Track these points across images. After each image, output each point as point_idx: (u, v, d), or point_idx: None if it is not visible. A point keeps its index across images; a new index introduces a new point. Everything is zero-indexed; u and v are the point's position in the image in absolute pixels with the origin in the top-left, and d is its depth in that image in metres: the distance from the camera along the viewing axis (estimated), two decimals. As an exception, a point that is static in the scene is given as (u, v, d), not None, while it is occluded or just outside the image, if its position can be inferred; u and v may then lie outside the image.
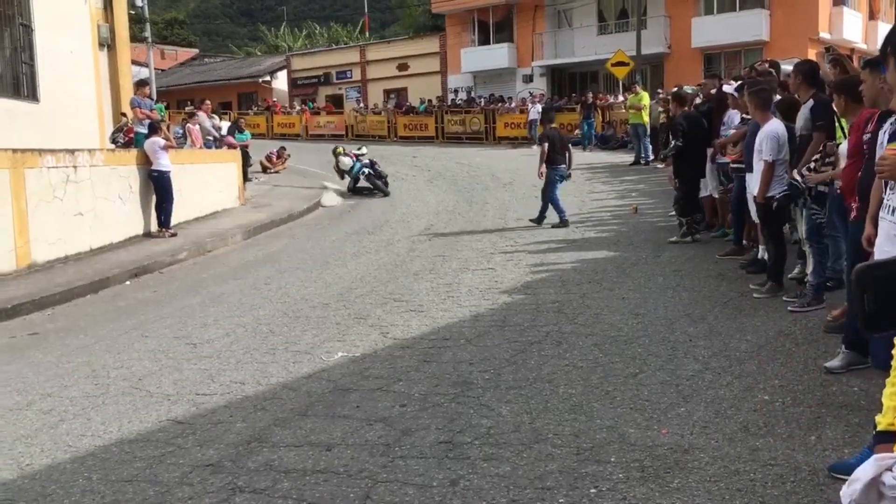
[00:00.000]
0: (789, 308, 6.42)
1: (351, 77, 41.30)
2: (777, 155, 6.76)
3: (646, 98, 20.41)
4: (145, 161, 12.36)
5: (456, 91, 36.36)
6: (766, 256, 7.35)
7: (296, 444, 4.34)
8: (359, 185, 17.30)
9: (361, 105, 37.96)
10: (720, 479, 3.63)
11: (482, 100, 33.10)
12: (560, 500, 3.53)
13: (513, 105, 31.86)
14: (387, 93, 39.43)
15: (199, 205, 14.08)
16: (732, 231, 9.18)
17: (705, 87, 10.59)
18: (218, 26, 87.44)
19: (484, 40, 36.40)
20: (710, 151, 9.40)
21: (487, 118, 30.39)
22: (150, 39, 34.31)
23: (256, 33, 65.85)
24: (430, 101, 33.79)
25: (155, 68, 35.79)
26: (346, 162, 17.64)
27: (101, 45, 15.27)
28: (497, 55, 35.65)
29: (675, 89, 12.13)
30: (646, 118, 19.76)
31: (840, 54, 8.25)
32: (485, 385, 5.12)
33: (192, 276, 10.07)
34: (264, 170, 22.39)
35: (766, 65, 10.26)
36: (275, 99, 41.38)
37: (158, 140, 12.42)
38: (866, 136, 4.69)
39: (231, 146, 18.19)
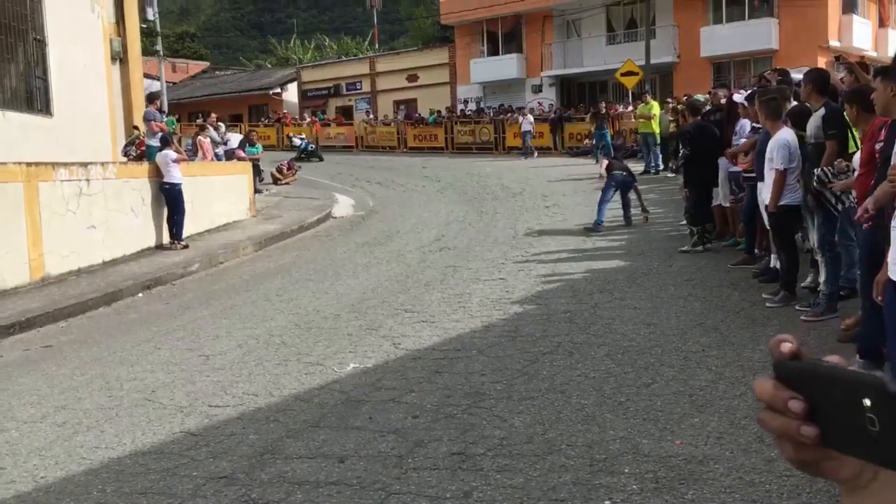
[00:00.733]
0: (802, 317, 6.39)
1: (361, 88, 41.46)
2: (789, 163, 6.74)
3: (656, 107, 20.41)
4: (157, 174, 12.43)
5: (465, 102, 36.45)
6: (778, 265, 7.32)
7: (309, 456, 4.34)
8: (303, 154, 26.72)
9: (371, 116, 38.09)
10: (735, 491, 3.61)
11: (491, 110, 33.16)
12: (574, 512, 3.52)
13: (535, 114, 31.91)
14: (396, 104, 39.55)
15: (210, 217, 14.15)
16: (744, 240, 9.16)
17: (715, 97, 10.58)
18: (228, 39, 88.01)
19: (493, 51, 36.50)
20: (721, 161, 9.39)
21: (497, 128, 30.44)
22: (161, 53, 34.60)
23: (267, 46, 66.28)
24: (438, 111, 33.88)
25: (166, 81, 36.07)
26: (297, 141, 29.69)
27: (113, 59, 15.40)
28: (506, 66, 35.73)
29: (686, 98, 12.14)
30: (656, 128, 19.75)
31: (852, 63, 8.24)
32: (497, 396, 5.11)
33: (205, 287, 10.11)
34: (275, 181, 22.48)
35: (776, 73, 10.26)
36: (285, 111, 41.57)
37: (170, 153, 12.49)
38: (878, 145, 4.68)
39: (241, 160, 18.28)
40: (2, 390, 6.13)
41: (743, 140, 8.78)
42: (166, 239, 12.54)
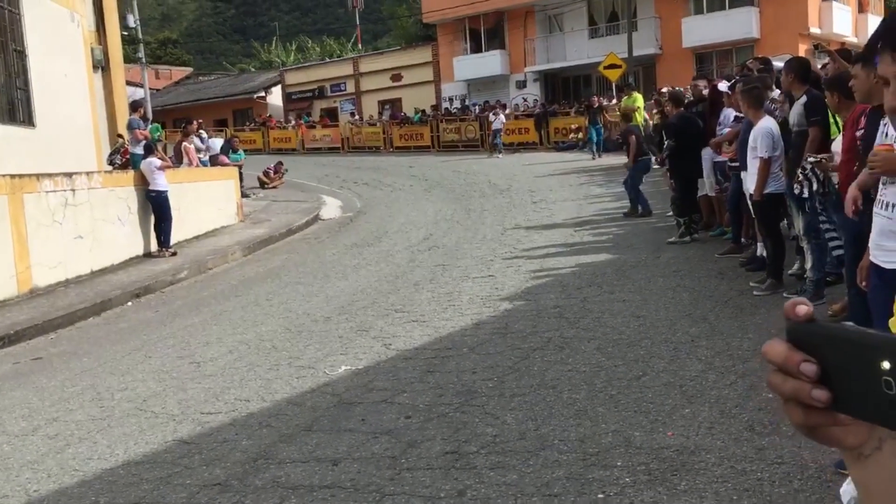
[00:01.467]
0: (790, 305, 6.42)
1: (345, 90, 41.42)
2: (773, 152, 6.78)
3: (640, 100, 20.45)
4: (143, 182, 12.39)
5: (450, 99, 36.45)
6: (764, 253, 7.36)
7: (302, 460, 4.34)
8: None
9: (356, 117, 38.05)
10: (727, 480, 3.63)
11: (476, 107, 33.18)
12: (568, 507, 3.53)
13: (507, 111, 31.94)
14: (381, 104, 39.53)
15: (197, 223, 14.10)
16: (731, 229, 9.20)
17: (696, 88, 10.61)
18: (211, 44, 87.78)
19: (476, 48, 36.52)
20: (706, 151, 9.42)
21: (482, 126, 30.47)
22: (143, 60, 34.49)
23: (250, 49, 66.11)
24: (423, 111, 33.87)
25: (150, 88, 35.96)
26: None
27: (94, 67, 15.33)
28: (490, 62, 35.77)
29: (667, 90, 12.17)
30: (640, 120, 19.77)
31: (831, 51, 8.29)
32: (489, 393, 5.12)
33: (194, 294, 10.08)
34: (262, 185, 22.44)
35: (758, 62, 10.30)
36: (270, 114, 41.46)
37: (154, 160, 12.45)
38: (860, 132, 4.70)
39: (224, 165, 18.22)
40: (-8, 405, 6.10)
41: (727, 130, 8.82)
42: (154, 247, 12.49)
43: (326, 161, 30.34)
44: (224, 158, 19.06)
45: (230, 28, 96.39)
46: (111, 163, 14.96)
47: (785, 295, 6.73)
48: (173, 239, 12.62)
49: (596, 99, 25.95)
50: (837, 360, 0.66)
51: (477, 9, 34.97)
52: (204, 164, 17.82)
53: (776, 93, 7.84)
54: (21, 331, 8.36)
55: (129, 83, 22.14)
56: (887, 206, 3.78)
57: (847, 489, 1.52)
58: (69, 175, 10.99)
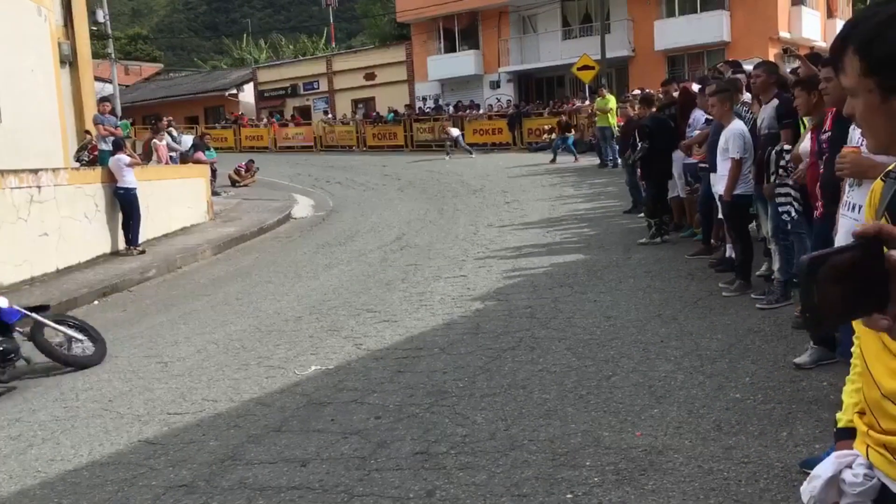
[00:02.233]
0: (758, 305, 6.49)
1: (318, 88, 41.21)
2: (744, 153, 6.84)
3: (612, 101, 20.57)
4: (110, 179, 12.22)
5: (424, 99, 36.41)
6: (733, 255, 7.43)
7: (270, 461, 4.30)
8: None
9: (329, 116, 37.87)
10: (695, 479, 3.66)
11: (450, 107, 33.17)
12: (537, 507, 3.53)
13: (481, 111, 31.97)
14: (355, 103, 39.39)
15: (167, 221, 13.95)
16: (700, 231, 9.27)
17: (667, 94, 10.68)
18: (182, 40, 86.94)
19: (450, 48, 36.51)
20: (676, 153, 9.48)
21: (456, 125, 30.45)
22: (113, 56, 34.06)
23: (221, 46, 65.56)
24: (397, 110, 33.79)
25: (119, 84, 35.55)
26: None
27: (62, 62, 15.10)
28: (463, 62, 35.78)
29: (637, 92, 12.25)
30: (612, 121, 19.91)
31: (800, 55, 8.38)
32: (459, 393, 5.11)
33: (162, 293, 9.97)
34: (233, 183, 22.25)
35: (729, 65, 10.39)
36: (242, 112, 41.15)
37: (123, 157, 12.28)
38: (825, 135, 4.75)
39: (201, 163, 18.04)
40: (-47, 405, 5.97)
41: (696, 132, 8.88)
42: (122, 245, 12.33)
43: (299, 160, 30.15)
44: (201, 156, 18.86)
45: (202, 24, 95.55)
46: (78, 159, 14.76)
47: (753, 296, 6.79)
48: (142, 237, 12.47)
49: (565, 117, 25.81)
50: None
51: (451, 9, 34.98)
52: (174, 161, 17.64)
53: (747, 96, 7.90)
54: (-16, 330, 8.20)
55: (98, 79, 21.87)
56: (853, 207, 3.83)
57: (807, 488, 1.52)
58: (35, 171, 10.82)
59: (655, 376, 5.11)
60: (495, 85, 35.31)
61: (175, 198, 14.47)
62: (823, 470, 1.50)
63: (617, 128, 19.03)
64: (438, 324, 6.98)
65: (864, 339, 1.46)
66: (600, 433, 4.27)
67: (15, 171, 10.45)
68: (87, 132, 15.42)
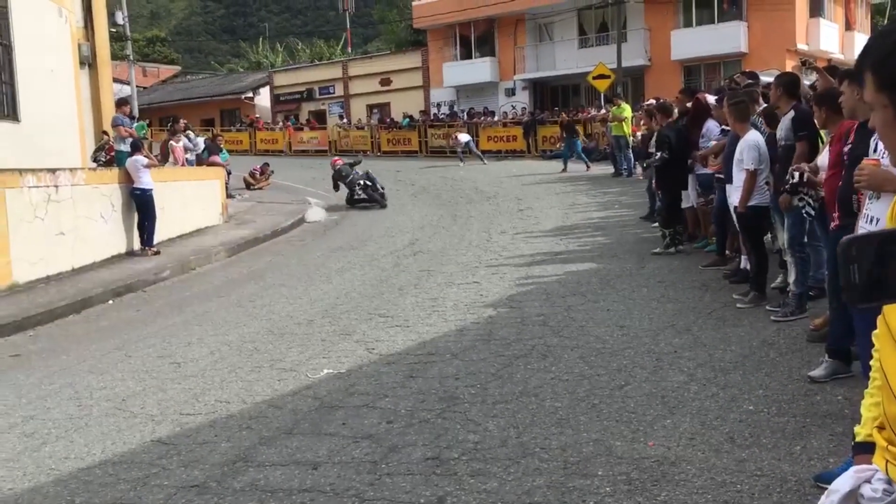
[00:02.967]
0: (772, 318, 6.46)
1: (334, 92, 41.36)
2: (759, 164, 6.82)
3: (627, 110, 20.54)
4: (127, 179, 12.30)
5: (439, 105, 36.48)
6: (748, 266, 7.40)
7: (282, 464, 4.31)
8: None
9: (344, 120, 38.00)
10: (707, 491, 3.64)
11: (464, 114, 33.21)
12: (548, 515, 3.52)
13: (496, 118, 31.98)
14: (370, 108, 39.50)
15: (182, 222, 14.02)
16: (714, 241, 9.24)
17: (680, 103, 10.66)
18: (200, 43, 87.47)
19: (466, 55, 36.58)
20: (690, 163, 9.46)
21: (471, 132, 30.47)
22: (131, 57, 34.31)
23: (238, 50, 65.92)
24: (412, 116, 33.86)
25: (137, 86, 35.77)
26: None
27: (81, 63, 15.22)
28: (479, 69, 35.84)
29: (653, 102, 12.22)
30: (627, 130, 19.88)
31: (818, 67, 8.35)
32: (471, 400, 5.11)
33: (176, 294, 10.01)
34: (248, 186, 22.34)
35: (745, 76, 10.36)
36: (257, 115, 41.35)
37: (140, 158, 12.36)
38: (846, 147, 4.73)
39: (216, 166, 18.12)
40: (-32, 401, 6.02)
41: (711, 143, 8.86)
42: (137, 245, 12.40)
43: (313, 164, 30.25)
44: (217, 159, 18.93)
45: (219, 27, 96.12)
46: (95, 160, 14.86)
47: (767, 308, 6.76)
48: (157, 238, 12.53)
49: (571, 114, 25.74)
50: None
51: (468, 15, 35.06)
52: (190, 163, 17.73)
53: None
54: (0, 327, 8.27)
55: (115, 80, 22.00)
56: (872, 220, 3.81)
57: (825, 502, 1.52)
58: (52, 171, 10.90)
59: (668, 387, 5.10)
60: (510, 92, 35.34)
61: (190, 199, 14.55)
62: (842, 484, 1.49)
63: (632, 137, 19.02)
64: (451, 330, 6.98)
65: (884, 352, 1.45)
66: (612, 442, 4.26)
67: (33, 171, 10.53)
68: (105, 133, 15.52)
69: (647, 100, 19.68)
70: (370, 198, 17.21)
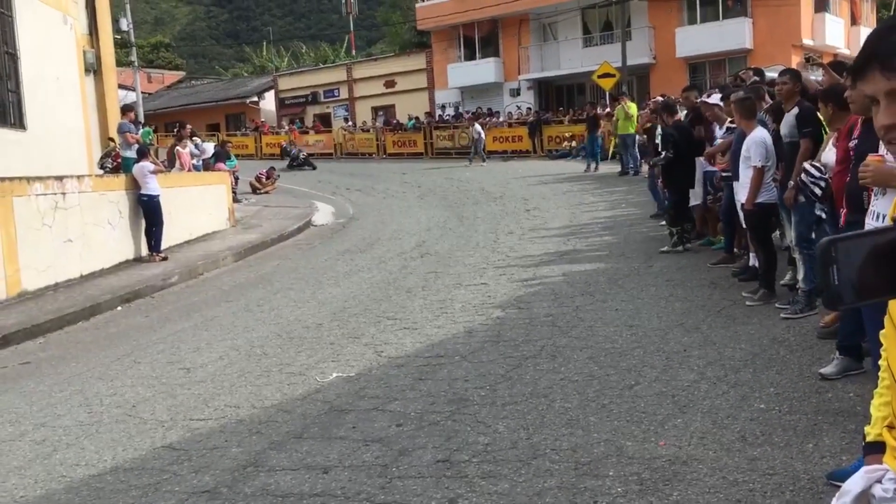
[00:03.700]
0: (782, 315, 6.43)
1: (338, 95, 41.39)
2: (766, 161, 6.80)
3: (633, 108, 20.51)
4: (134, 186, 12.34)
5: (443, 106, 36.48)
6: (756, 264, 7.37)
7: (292, 468, 4.31)
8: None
9: (350, 123, 38.03)
10: (719, 490, 3.62)
11: (469, 114, 33.21)
12: (560, 517, 3.51)
13: (501, 119, 31.96)
14: (375, 110, 39.53)
15: (189, 228, 14.06)
16: (719, 239, 9.22)
17: (687, 99, 10.63)
18: (204, 48, 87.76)
19: (470, 55, 36.57)
20: (698, 161, 9.43)
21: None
22: (136, 63, 34.41)
23: (243, 54, 66.06)
24: (417, 117, 33.88)
25: (142, 92, 35.87)
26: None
27: (87, 70, 15.29)
28: (484, 70, 35.82)
29: (660, 99, 12.19)
30: (633, 129, 19.84)
31: (823, 63, 8.31)
32: (481, 402, 5.10)
33: (184, 299, 10.03)
34: (254, 190, 22.39)
35: (751, 73, 10.33)
36: (263, 119, 41.42)
37: (147, 164, 12.40)
38: (853, 143, 4.71)
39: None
40: (-21, 409, 6.04)
41: (718, 141, 8.83)
42: (145, 251, 12.44)
43: (319, 166, 30.31)
44: (222, 166, 18.99)
45: (223, 32, 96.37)
46: (102, 166, 14.91)
47: (777, 305, 6.73)
48: (164, 243, 12.57)
49: (592, 108, 25.79)
50: None
51: (471, 16, 35.05)
52: (197, 168, 17.79)
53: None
54: (9, 334, 8.30)
55: (121, 87, 22.10)
56: (878, 216, 3.79)
57: None
58: (60, 178, 10.94)
59: (679, 386, 5.08)
60: (515, 92, 35.32)
61: (197, 205, 14.59)
62: (853, 485, 1.48)
63: (638, 135, 18.98)
64: (459, 331, 6.98)
65: (891, 351, 1.44)
66: (623, 443, 4.25)
67: (40, 178, 10.57)
68: (111, 139, 15.57)
69: (653, 97, 19.68)
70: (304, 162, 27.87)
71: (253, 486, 4.13)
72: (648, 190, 13.00)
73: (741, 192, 7.13)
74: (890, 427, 1.49)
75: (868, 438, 1.58)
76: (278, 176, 23.62)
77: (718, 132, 8.90)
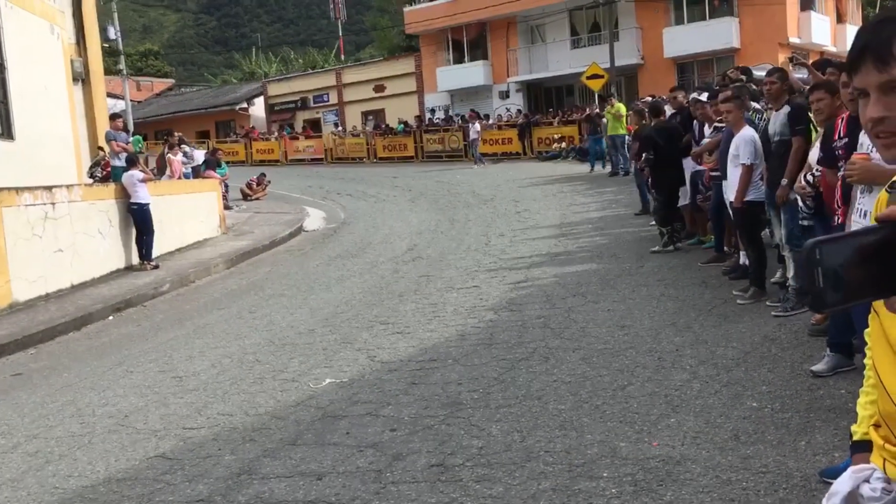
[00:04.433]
0: (773, 313, 6.45)
1: (328, 101, 41.36)
2: (755, 159, 6.83)
3: (622, 109, 20.56)
4: (124, 194, 12.30)
5: (433, 110, 36.50)
6: (747, 262, 7.39)
7: (286, 475, 4.30)
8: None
9: (339, 128, 38.01)
10: (713, 490, 3.63)
11: (459, 118, 33.22)
12: (554, 519, 3.51)
13: (491, 122, 31.99)
14: (364, 115, 39.51)
15: (180, 236, 14.02)
16: (709, 238, 9.24)
17: (674, 101, 10.67)
18: (193, 56, 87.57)
19: (459, 59, 36.61)
20: (687, 161, 9.45)
21: (466, 136, 30.49)
22: (124, 72, 34.36)
23: (232, 61, 65.98)
24: (406, 121, 33.88)
25: (131, 100, 35.80)
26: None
27: (75, 79, 15.25)
28: (472, 73, 35.86)
29: (648, 100, 12.23)
30: (623, 129, 19.89)
31: (806, 63, 8.36)
32: (474, 405, 5.10)
33: (176, 308, 10.01)
34: (245, 197, 22.34)
35: (739, 71, 10.37)
36: (252, 125, 41.35)
37: (136, 173, 12.36)
38: (843, 142, 4.73)
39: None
40: (-29, 422, 6.01)
41: (705, 140, 8.86)
42: (136, 260, 12.40)
43: (310, 172, 30.28)
44: (212, 173, 18.93)
45: (212, 39, 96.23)
46: (92, 175, 14.86)
47: (767, 303, 6.76)
48: (155, 252, 12.53)
49: (581, 110, 25.88)
50: None
51: (459, 20, 35.09)
52: (187, 176, 17.75)
53: (756, 105, 7.89)
54: (1, 346, 8.27)
55: (110, 95, 22.06)
56: (865, 214, 3.81)
57: None
58: (49, 188, 10.90)
59: (671, 385, 5.09)
60: (504, 95, 35.37)
61: (188, 212, 14.55)
62: (842, 486, 1.49)
63: (629, 136, 19.02)
64: (452, 335, 6.98)
65: (876, 350, 1.44)
66: (617, 444, 4.26)
67: (30, 188, 10.53)
68: (101, 148, 15.53)
69: (642, 98, 19.76)
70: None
71: (247, 494, 4.12)
72: (637, 187, 13.11)
73: (730, 191, 7.16)
74: (876, 426, 1.49)
75: (855, 437, 1.58)
76: (269, 182, 23.58)
77: (707, 131, 8.93)
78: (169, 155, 17.91)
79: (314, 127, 39.99)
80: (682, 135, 9.64)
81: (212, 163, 19.85)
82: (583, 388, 5.21)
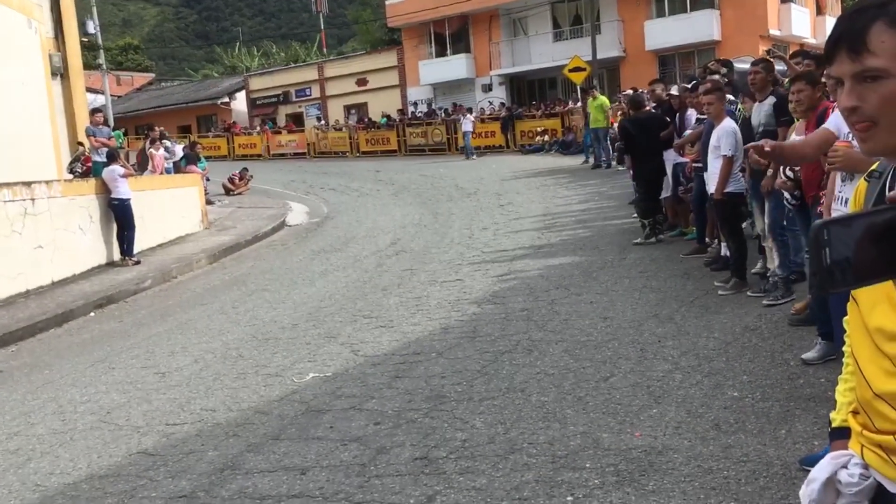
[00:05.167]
0: (764, 302, 6.48)
1: (310, 95, 41.20)
2: (735, 150, 6.86)
3: (605, 102, 20.61)
4: (104, 190, 12.20)
5: (416, 104, 36.43)
6: (728, 253, 7.44)
7: (270, 470, 4.29)
8: None
9: (322, 122, 37.86)
10: (694, 479, 3.66)
11: (442, 111, 33.18)
12: (537, 510, 3.53)
13: (474, 115, 31.97)
14: (347, 108, 39.38)
15: (162, 231, 13.92)
16: (691, 230, 9.29)
17: (653, 94, 10.70)
18: (173, 50, 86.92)
19: (441, 52, 36.55)
20: (668, 152, 9.50)
21: (449, 129, 30.49)
22: (104, 66, 34.05)
23: (213, 55, 65.56)
24: (389, 115, 33.80)
25: (111, 95, 35.50)
26: None
27: (53, 74, 15.08)
28: (455, 66, 35.83)
29: (629, 92, 12.26)
30: (606, 122, 19.95)
31: (783, 56, 8.41)
32: (458, 398, 5.11)
33: (158, 303, 9.95)
34: (227, 192, 22.22)
35: (720, 64, 10.41)
36: (234, 120, 41.12)
37: (117, 168, 12.26)
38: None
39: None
40: (-50, 420, 5.96)
41: (687, 132, 8.90)
42: (117, 256, 12.31)
43: (292, 167, 30.16)
44: (194, 168, 18.81)
45: (192, 33, 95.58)
46: (71, 171, 14.72)
47: (749, 294, 6.81)
48: (137, 247, 12.44)
49: (563, 104, 25.89)
50: None
51: (442, 13, 35.01)
52: (168, 171, 17.63)
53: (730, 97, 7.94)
54: (-20, 344, 8.18)
55: (89, 90, 21.86)
56: (846, 202, 3.84)
57: (805, 491, 1.53)
58: (28, 184, 10.79)
59: (653, 376, 5.12)
60: (487, 88, 35.36)
61: (169, 207, 14.45)
62: (820, 472, 1.50)
63: (612, 129, 19.08)
64: (435, 328, 6.98)
65: (855, 338, 1.46)
66: (599, 434, 4.28)
67: (8, 184, 10.42)
68: (80, 143, 15.38)
69: (623, 90, 19.81)
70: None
71: (230, 489, 4.11)
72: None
73: (711, 183, 7.20)
74: (855, 412, 1.51)
75: (834, 424, 1.60)
76: (251, 176, 23.47)
77: (691, 122, 8.97)
78: (150, 150, 17.80)
79: (296, 121, 39.83)
80: (661, 126, 9.68)
81: (191, 157, 19.72)
82: (566, 380, 5.23)
